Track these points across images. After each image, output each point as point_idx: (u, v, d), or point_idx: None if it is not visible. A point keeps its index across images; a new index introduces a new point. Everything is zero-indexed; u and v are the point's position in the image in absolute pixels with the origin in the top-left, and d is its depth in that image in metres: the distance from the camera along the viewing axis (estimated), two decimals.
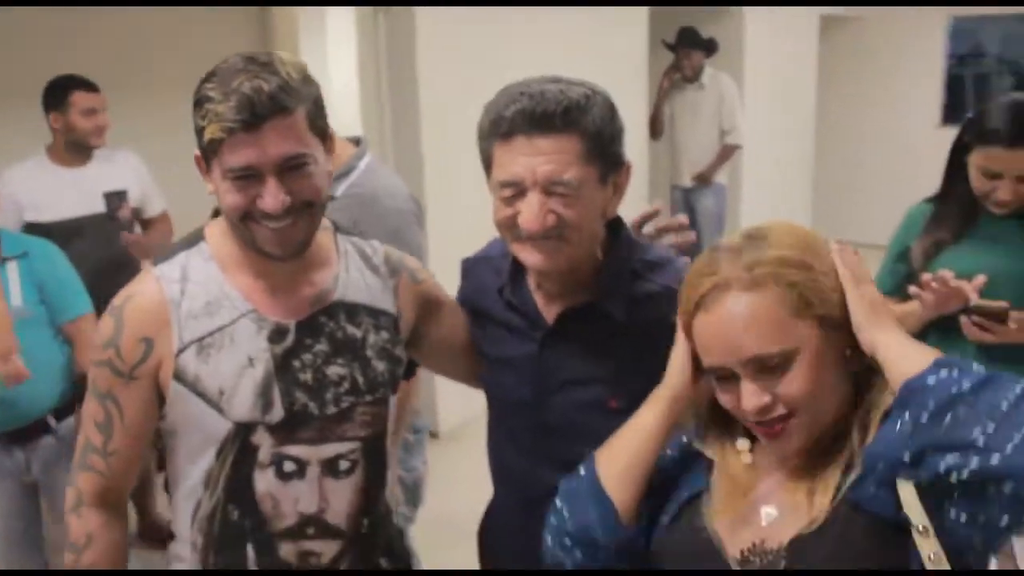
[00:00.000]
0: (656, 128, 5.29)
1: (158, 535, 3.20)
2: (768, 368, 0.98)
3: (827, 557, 0.97)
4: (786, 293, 0.97)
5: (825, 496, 1.00)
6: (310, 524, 1.28)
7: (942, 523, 0.93)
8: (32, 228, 2.78)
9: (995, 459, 0.84)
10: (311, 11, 4.90)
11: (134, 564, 1.41)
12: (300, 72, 1.18)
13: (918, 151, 7.31)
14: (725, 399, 1.03)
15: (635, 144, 5.26)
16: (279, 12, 4.56)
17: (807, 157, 7.06)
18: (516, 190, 1.22)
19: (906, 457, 0.90)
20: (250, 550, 1.29)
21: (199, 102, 1.15)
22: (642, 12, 5.05)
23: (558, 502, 1.16)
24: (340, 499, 1.29)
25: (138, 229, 3.16)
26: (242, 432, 1.24)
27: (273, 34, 4.61)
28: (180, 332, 1.22)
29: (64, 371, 2.32)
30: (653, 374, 1.17)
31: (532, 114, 1.19)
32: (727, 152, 5.22)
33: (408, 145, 3.83)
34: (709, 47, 5.14)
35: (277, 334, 1.24)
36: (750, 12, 5.90)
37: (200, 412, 1.23)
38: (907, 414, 0.91)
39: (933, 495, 0.91)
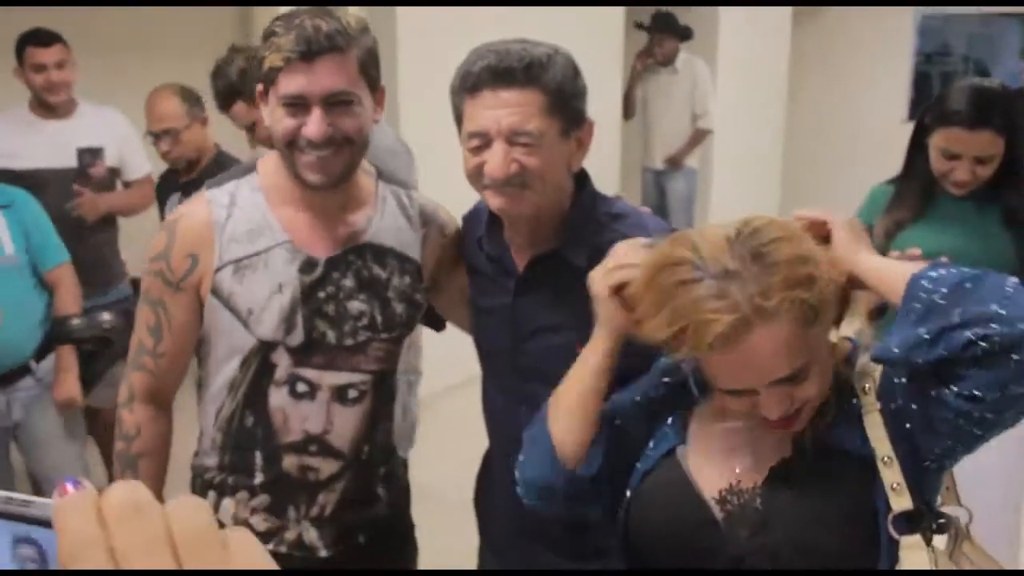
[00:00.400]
0: (628, 109, 5.34)
1: None
2: (787, 380, 1.01)
3: (799, 493, 1.06)
4: (798, 313, 0.99)
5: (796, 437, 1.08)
6: (313, 442, 1.40)
7: (930, 419, 1.01)
8: (1, 175, 2.75)
9: (1021, 326, 0.91)
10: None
11: None
12: (359, 23, 1.31)
13: (884, 144, 7.47)
14: (738, 404, 1.06)
15: (608, 125, 5.30)
16: (260, 11, 4.53)
17: (777, 145, 7.18)
18: (482, 140, 1.31)
19: (926, 334, 0.96)
20: (258, 456, 1.42)
21: (266, 35, 1.29)
22: None
23: (520, 450, 1.21)
24: (345, 424, 1.40)
25: (120, 189, 3.12)
26: (264, 349, 1.37)
27: (255, 31, 4.58)
28: (221, 251, 1.35)
29: (44, 317, 2.37)
30: None
31: (496, 69, 1.28)
32: (699, 136, 5.29)
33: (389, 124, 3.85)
34: (684, 34, 5.19)
35: (308, 266, 1.36)
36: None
37: (230, 325, 1.37)
38: (916, 304, 0.98)
39: (937, 380, 0.98)
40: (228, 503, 1.45)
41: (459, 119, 1.36)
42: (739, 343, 0.98)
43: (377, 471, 1.49)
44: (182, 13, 4.14)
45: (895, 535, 1.02)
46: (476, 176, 1.34)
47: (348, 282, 1.38)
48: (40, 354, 2.36)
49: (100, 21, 3.79)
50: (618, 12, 5.15)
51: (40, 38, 2.86)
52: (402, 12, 3.87)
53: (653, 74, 5.27)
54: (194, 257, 1.36)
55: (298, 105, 1.28)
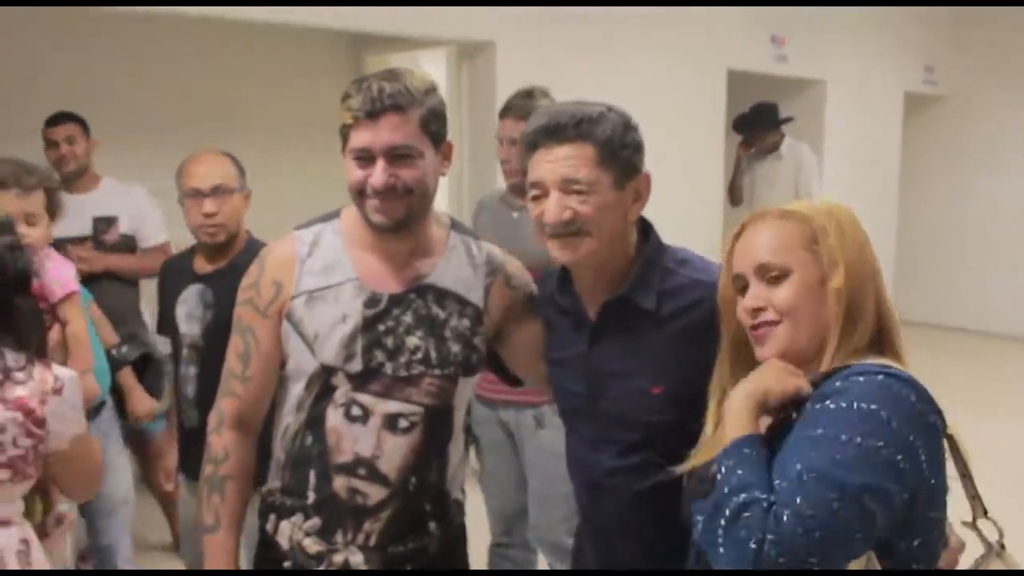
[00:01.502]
0: (735, 196, 5.31)
1: None
2: (769, 278, 1.21)
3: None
4: (803, 228, 1.22)
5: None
6: (362, 465, 1.48)
7: None
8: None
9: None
10: (403, 57, 5.17)
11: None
12: (424, 84, 1.44)
13: (1010, 231, 7.14)
14: (741, 308, 1.25)
15: (712, 209, 5.30)
16: (371, 60, 4.83)
17: (889, 230, 6.93)
18: (541, 191, 1.43)
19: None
20: (312, 475, 1.51)
21: (343, 98, 1.44)
22: (721, 78, 5.15)
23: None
24: (393, 452, 1.48)
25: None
26: (326, 373, 1.48)
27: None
28: (299, 282, 1.49)
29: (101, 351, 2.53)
30: (689, 359, 1.39)
31: (548, 127, 1.42)
32: None
33: (486, 182, 3.98)
34: (783, 123, 5.15)
35: (372, 301, 1.48)
36: (832, 85, 5.94)
37: (298, 348, 1.49)
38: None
39: None
40: (285, 525, 1.54)
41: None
42: (750, 227, 1.25)
43: (424, 506, 1.53)
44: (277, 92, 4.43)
45: None
46: (540, 227, 1.45)
47: (407, 318, 1.48)
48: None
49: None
50: (721, 94, 5.19)
51: (52, 119, 3.23)
52: (502, 68, 4.03)
53: (758, 161, 5.25)
54: (278, 285, 1.50)
55: (365, 158, 1.42)
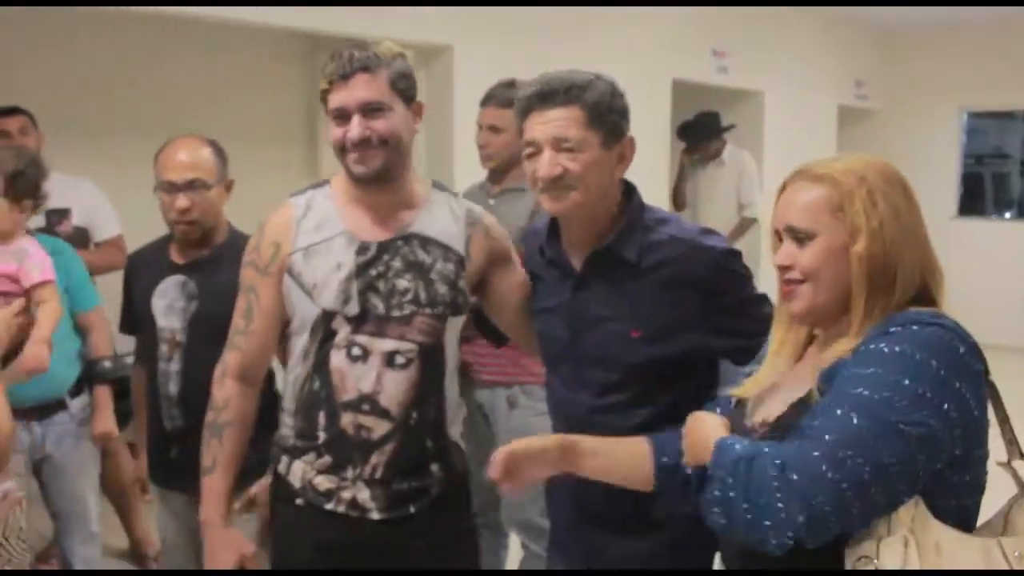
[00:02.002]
0: (679, 202, 5.48)
1: (143, 553, 3.30)
2: (797, 238, 1.27)
3: (795, 429, 1.19)
4: (831, 193, 1.25)
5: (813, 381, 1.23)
6: (365, 401, 1.62)
7: None
8: None
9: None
10: None
11: None
12: (390, 51, 1.61)
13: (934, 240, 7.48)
14: (773, 262, 1.32)
15: None
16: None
17: None
18: (535, 149, 1.57)
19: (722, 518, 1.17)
20: (321, 416, 1.64)
21: (323, 70, 1.61)
22: (666, 87, 5.33)
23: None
24: (392, 386, 1.62)
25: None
26: (326, 318, 1.62)
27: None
28: (295, 240, 1.64)
29: (78, 355, 2.53)
30: (665, 307, 1.56)
31: (541, 93, 1.56)
32: (744, 225, 5.39)
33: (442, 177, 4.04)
34: (725, 131, 5.34)
35: (362, 249, 1.63)
36: (770, 96, 6.18)
37: (300, 299, 1.64)
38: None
39: None
40: (299, 465, 1.67)
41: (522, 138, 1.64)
42: (796, 180, 1.29)
43: (425, 442, 1.66)
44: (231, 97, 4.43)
45: None
46: (533, 182, 1.59)
47: (396, 263, 1.63)
48: (75, 391, 2.51)
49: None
50: (665, 101, 5.37)
51: (4, 110, 3.18)
52: (459, 78, 4.11)
53: (701, 167, 5.44)
54: (277, 245, 1.65)
55: (342, 116, 1.59)
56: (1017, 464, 1.22)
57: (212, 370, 1.75)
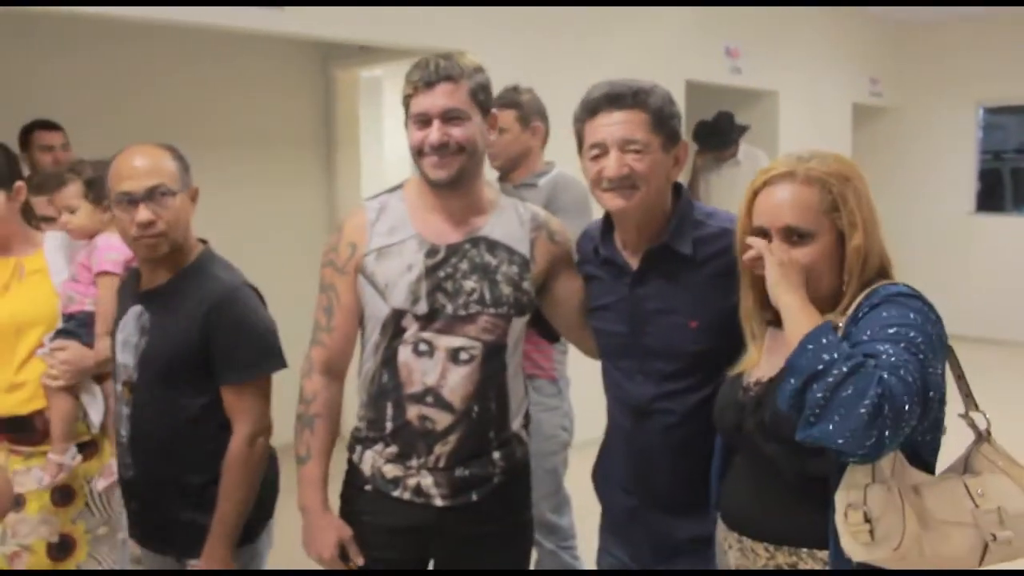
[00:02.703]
0: None
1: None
2: (792, 239, 1.39)
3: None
4: (824, 196, 1.39)
5: None
6: (429, 394, 1.70)
7: None
8: None
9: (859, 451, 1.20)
10: (370, 80, 5.24)
11: None
12: (473, 63, 1.71)
13: (951, 236, 7.45)
14: (758, 255, 1.40)
15: None
16: (339, 73, 4.90)
17: None
18: (601, 150, 1.65)
19: (786, 407, 1.28)
20: (388, 407, 1.73)
21: (407, 76, 1.69)
22: (680, 88, 5.32)
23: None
24: (456, 380, 1.70)
25: None
26: (396, 316, 1.71)
27: (335, 105, 4.95)
28: (370, 241, 1.74)
29: None
30: (721, 296, 1.61)
31: (610, 95, 1.65)
32: None
33: None
34: (740, 134, 5.33)
35: (431, 252, 1.72)
36: (784, 96, 6.16)
37: (372, 298, 1.73)
38: (797, 366, 1.27)
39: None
40: (368, 455, 1.77)
41: (580, 141, 1.72)
42: (778, 185, 1.40)
43: (488, 433, 1.74)
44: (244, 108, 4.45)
45: None
46: (597, 182, 1.66)
47: (463, 265, 1.72)
48: None
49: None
50: (679, 107, 5.36)
51: (47, 123, 3.28)
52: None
53: (716, 168, 5.43)
54: (353, 246, 1.75)
55: (424, 121, 1.67)
56: (974, 415, 1.42)
57: (161, 415, 1.81)
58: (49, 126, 3.30)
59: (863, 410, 1.17)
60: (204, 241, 1.97)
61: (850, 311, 1.36)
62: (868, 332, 1.28)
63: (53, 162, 3.26)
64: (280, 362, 1.88)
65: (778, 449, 1.39)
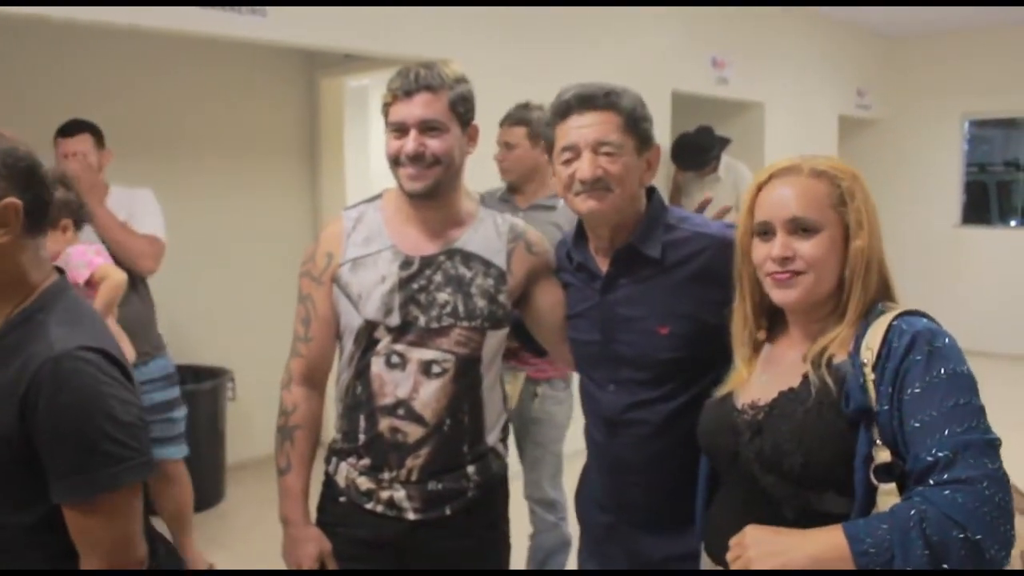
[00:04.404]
0: None
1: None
2: (799, 231, 1.33)
3: (790, 416, 1.29)
4: (833, 189, 1.34)
5: (807, 366, 1.32)
6: (401, 406, 1.69)
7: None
8: None
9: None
10: (356, 89, 5.21)
11: None
12: (455, 74, 1.67)
13: (936, 248, 7.47)
14: (760, 253, 1.37)
15: None
16: (325, 81, 4.87)
17: None
18: (573, 153, 1.61)
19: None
20: (361, 419, 1.72)
21: (388, 84, 1.67)
22: (666, 99, 5.32)
23: None
24: (427, 393, 1.68)
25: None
26: (369, 328, 1.69)
27: (320, 113, 4.92)
28: (345, 251, 1.72)
29: None
30: (692, 301, 1.59)
31: (582, 96, 1.61)
32: None
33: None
34: (721, 149, 5.31)
35: (406, 263, 1.70)
36: (770, 108, 6.17)
37: (346, 308, 1.71)
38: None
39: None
40: (344, 466, 1.76)
41: (550, 146, 1.68)
42: (784, 179, 1.35)
43: (461, 447, 1.72)
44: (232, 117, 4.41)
45: (875, 482, 1.22)
46: (569, 185, 1.62)
47: (438, 277, 1.69)
48: None
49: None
50: (664, 119, 5.37)
51: (67, 129, 3.09)
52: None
53: (697, 182, 5.42)
54: (329, 256, 1.74)
55: (401, 130, 1.65)
56: None
57: None
58: (68, 131, 3.07)
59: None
60: (61, 271, 1.37)
61: (870, 341, 1.27)
62: (929, 414, 1.19)
63: (82, 171, 3.02)
64: (135, 475, 1.24)
65: (778, 482, 1.30)
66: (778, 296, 1.36)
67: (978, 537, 1.10)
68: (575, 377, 2.75)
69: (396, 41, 3.90)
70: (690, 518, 1.56)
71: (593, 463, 1.78)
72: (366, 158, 5.35)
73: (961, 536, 1.10)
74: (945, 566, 1.11)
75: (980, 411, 1.20)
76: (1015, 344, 7.13)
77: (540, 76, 4.41)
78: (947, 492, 1.13)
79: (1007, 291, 7.21)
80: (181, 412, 3.22)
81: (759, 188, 1.38)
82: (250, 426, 4.44)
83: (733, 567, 1.26)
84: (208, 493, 4.05)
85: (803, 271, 1.33)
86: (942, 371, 1.21)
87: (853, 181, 1.35)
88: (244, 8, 3.36)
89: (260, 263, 4.66)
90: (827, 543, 1.17)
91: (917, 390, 1.20)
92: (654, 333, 1.63)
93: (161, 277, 3.19)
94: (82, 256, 2.20)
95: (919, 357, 1.22)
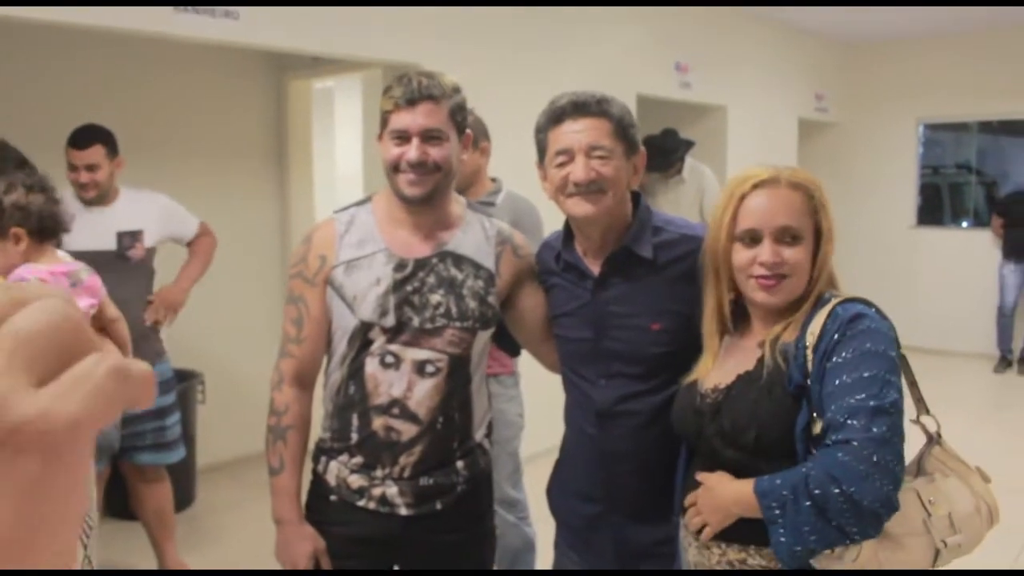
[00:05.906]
0: None
1: None
2: (785, 238, 1.47)
3: (743, 395, 1.46)
4: (808, 200, 1.49)
5: (764, 351, 1.47)
6: (395, 405, 1.72)
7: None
8: None
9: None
10: (321, 91, 5.22)
11: None
12: (452, 84, 1.73)
13: (892, 248, 7.66)
14: (744, 258, 1.49)
15: None
16: (293, 83, 4.88)
17: None
18: (567, 156, 1.67)
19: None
20: (354, 418, 1.75)
21: (385, 91, 1.71)
22: (631, 102, 5.40)
23: None
24: (422, 392, 1.72)
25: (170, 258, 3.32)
26: (364, 329, 1.72)
27: (287, 116, 4.92)
28: (339, 254, 1.75)
29: None
30: (682, 299, 1.68)
31: (575, 102, 1.68)
32: None
33: None
34: (684, 152, 5.39)
35: (400, 266, 1.73)
36: (732, 111, 6.29)
37: (341, 310, 1.75)
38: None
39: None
40: (333, 465, 1.78)
41: (543, 150, 1.74)
42: (768, 189, 1.48)
43: (451, 443, 1.77)
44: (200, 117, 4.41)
45: (813, 451, 1.39)
46: (562, 187, 1.68)
47: (431, 279, 1.74)
48: None
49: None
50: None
51: (78, 140, 3.02)
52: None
53: (662, 184, 5.49)
54: (323, 257, 1.76)
55: (403, 138, 1.68)
56: (925, 419, 1.52)
57: None
58: (79, 143, 2.99)
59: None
60: None
61: (814, 326, 1.43)
62: (838, 382, 1.36)
63: (76, 184, 3.01)
64: None
65: (736, 455, 1.47)
66: (762, 298, 1.48)
67: (852, 490, 1.28)
68: (524, 374, 2.84)
69: (364, 44, 3.92)
70: (673, 506, 1.66)
71: (580, 456, 1.83)
72: (332, 159, 5.36)
73: (837, 491, 1.29)
74: (829, 518, 1.30)
75: (886, 383, 1.33)
76: (967, 342, 7.33)
77: (508, 80, 4.47)
78: (832, 451, 1.32)
79: (960, 291, 7.41)
80: (173, 419, 3.21)
81: (742, 197, 1.49)
82: (220, 429, 4.43)
83: (691, 527, 1.51)
84: (179, 496, 4.00)
85: (788, 275, 1.46)
86: (864, 347, 1.36)
87: (821, 192, 1.49)
88: (217, 10, 3.37)
89: (228, 265, 4.65)
90: (746, 496, 1.41)
91: (838, 360, 1.37)
92: (646, 329, 1.71)
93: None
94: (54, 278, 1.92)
95: (847, 334, 1.38)
